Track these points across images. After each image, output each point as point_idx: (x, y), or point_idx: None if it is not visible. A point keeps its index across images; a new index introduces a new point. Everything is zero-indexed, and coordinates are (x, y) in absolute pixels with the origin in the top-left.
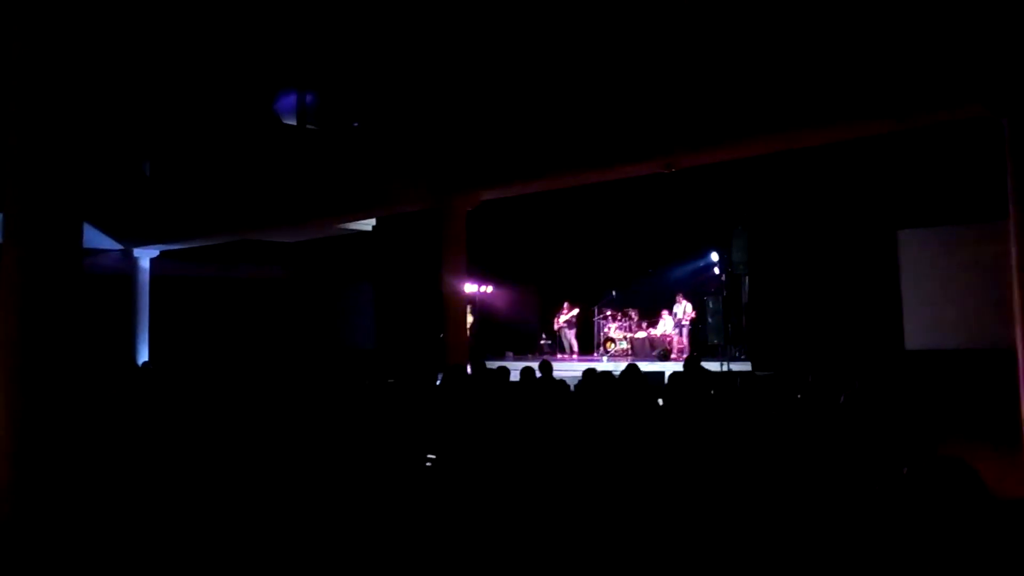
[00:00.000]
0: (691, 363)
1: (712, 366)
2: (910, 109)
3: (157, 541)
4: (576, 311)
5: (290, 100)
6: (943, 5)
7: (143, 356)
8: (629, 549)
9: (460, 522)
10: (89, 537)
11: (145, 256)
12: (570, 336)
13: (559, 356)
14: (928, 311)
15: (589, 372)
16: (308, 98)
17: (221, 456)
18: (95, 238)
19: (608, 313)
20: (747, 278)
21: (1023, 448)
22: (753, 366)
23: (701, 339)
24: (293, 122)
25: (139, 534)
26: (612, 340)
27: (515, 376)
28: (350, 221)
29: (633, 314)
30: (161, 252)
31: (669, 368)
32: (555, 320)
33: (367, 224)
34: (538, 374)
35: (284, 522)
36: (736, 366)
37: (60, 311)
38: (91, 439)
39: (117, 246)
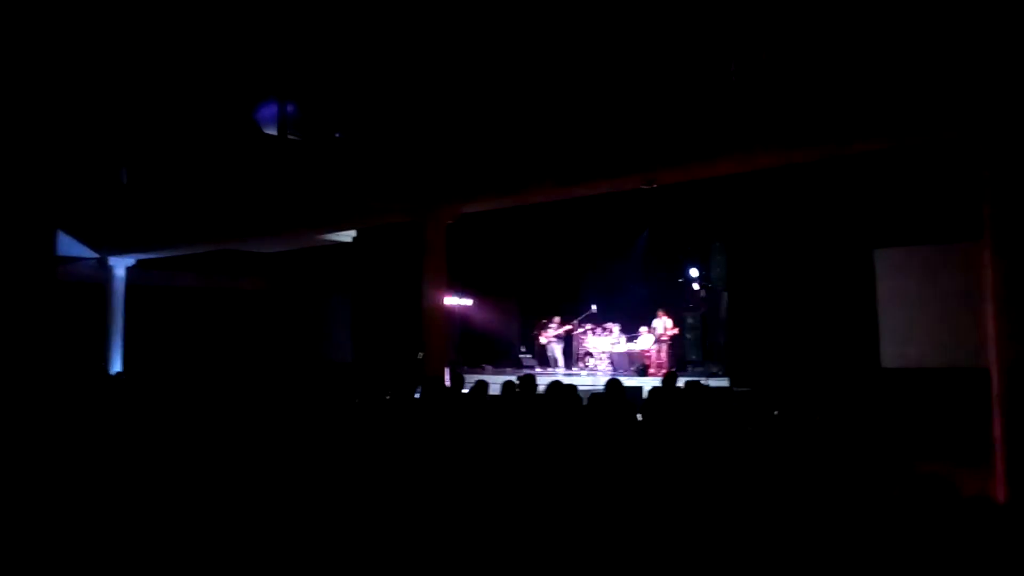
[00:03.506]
0: (669, 379)
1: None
2: (889, 131)
3: (126, 556)
4: (567, 327)
5: (271, 109)
6: (922, 30)
7: (117, 366)
8: (605, 562)
9: (440, 535)
10: (57, 550)
11: (121, 265)
12: (557, 350)
13: (538, 370)
14: (904, 330)
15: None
16: (289, 108)
17: (193, 471)
18: (70, 246)
19: (588, 327)
20: (726, 294)
21: (996, 466)
22: (731, 382)
23: (679, 354)
24: (274, 131)
25: (108, 548)
26: (591, 354)
27: (495, 389)
28: (331, 233)
29: (613, 328)
30: (137, 261)
31: (647, 383)
32: (543, 333)
33: (347, 235)
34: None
35: (259, 538)
36: (714, 382)
37: (33, 320)
38: (59, 449)
39: (92, 254)
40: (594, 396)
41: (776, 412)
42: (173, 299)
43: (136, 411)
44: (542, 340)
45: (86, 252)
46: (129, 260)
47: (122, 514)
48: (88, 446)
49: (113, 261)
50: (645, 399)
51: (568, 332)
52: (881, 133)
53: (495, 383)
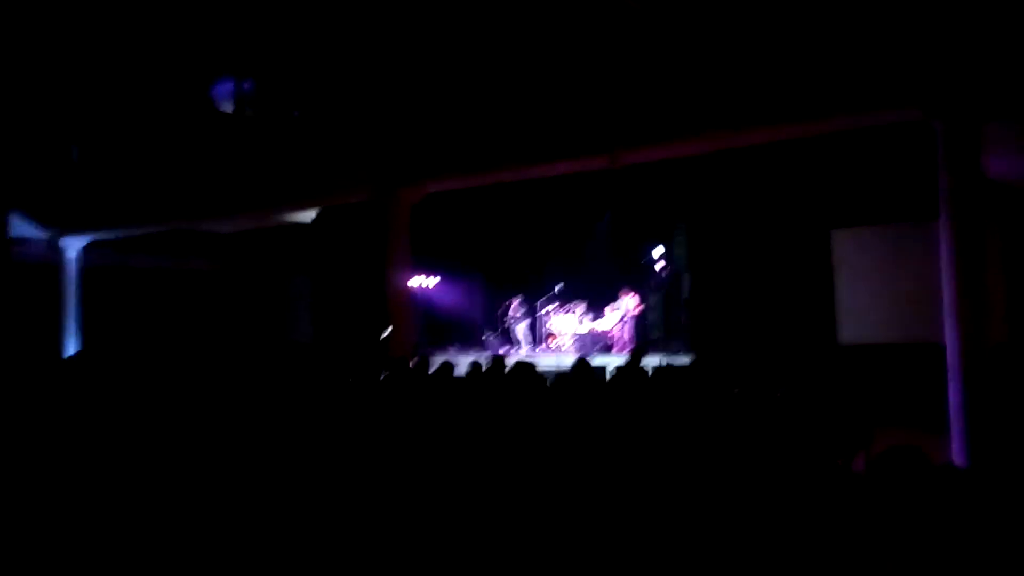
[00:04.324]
0: (637, 354)
1: (652, 360)
2: (847, 111)
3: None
4: (520, 304)
5: (228, 86)
6: (880, 11)
7: (71, 350)
8: (570, 543)
9: (406, 516)
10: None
11: (73, 246)
12: (520, 330)
13: (504, 350)
14: (860, 307)
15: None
16: (246, 85)
17: (149, 455)
18: (19, 226)
19: (553, 307)
20: (688, 274)
21: (952, 435)
22: (693, 360)
23: (643, 334)
24: (231, 109)
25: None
26: (554, 335)
27: (461, 370)
28: (291, 212)
29: (578, 308)
30: (91, 241)
31: (612, 362)
32: (506, 314)
33: (307, 215)
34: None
35: (221, 523)
36: (676, 361)
37: None
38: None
39: (43, 235)
40: (561, 377)
41: (737, 389)
42: (129, 280)
43: (90, 395)
44: (506, 321)
45: (37, 233)
46: (82, 241)
47: (79, 502)
48: (40, 432)
49: (66, 242)
50: (610, 377)
51: (530, 312)
52: (840, 111)
53: (462, 364)
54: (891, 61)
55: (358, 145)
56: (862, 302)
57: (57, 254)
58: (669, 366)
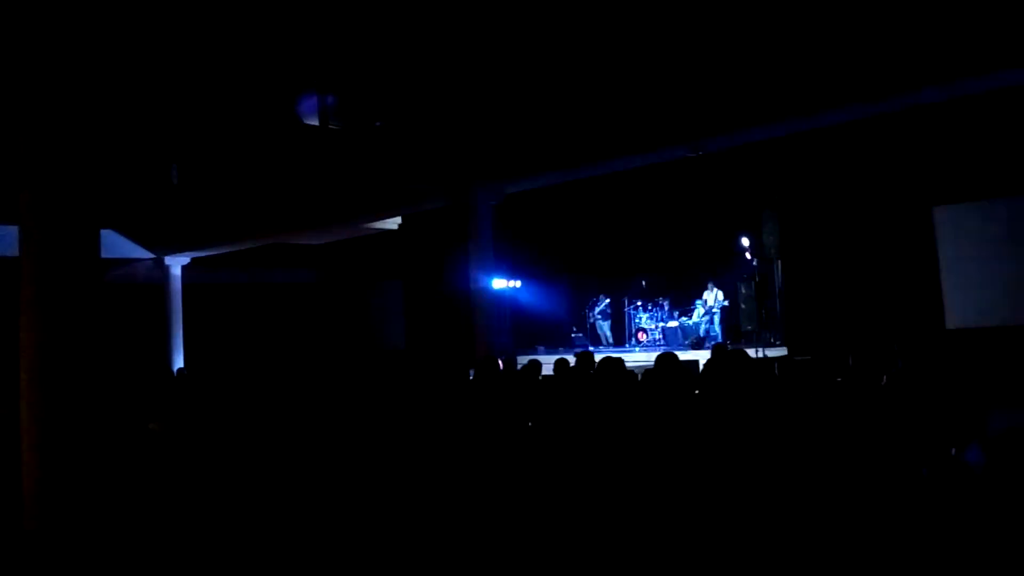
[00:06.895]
0: (719, 351)
1: (749, 352)
2: (950, 77)
3: (187, 546)
4: (608, 301)
5: (311, 101)
6: None
7: (179, 363)
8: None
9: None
10: (117, 544)
11: (176, 264)
12: (605, 328)
13: (591, 348)
14: (968, 288)
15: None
16: (329, 99)
17: (257, 458)
18: (127, 248)
19: (639, 303)
20: (779, 262)
21: None
22: (790, 351)
23: (734, 326)
24: (315, 122)
25: (169, 539)
26: (644, 330)
27: (548, 370)
28: (376, 220)
29: (664, 303)
30: (192, 259)
31: (703, 357)
32: (592, 312)
33: (393, 223)
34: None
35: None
36: (772, 352)
37: (80, 321)
38: (124, 445)
39: (149, 255)
40: (648, 373)
41: (839, 379)
42: (229, 295)
43: (200, 405)
44: (591, 319)
45: (142, 253)
46: (184, 259)
47: (186, 501)
48: (155, 441)
49: (169, 260)
50: (701, 372)
51: (616, 309)
52: (942, 79)
53: (548, 363)
54: (994, 21)
55: (436, 149)
56: (970, 282)
57: (161, 272)
58: (742, 352)
